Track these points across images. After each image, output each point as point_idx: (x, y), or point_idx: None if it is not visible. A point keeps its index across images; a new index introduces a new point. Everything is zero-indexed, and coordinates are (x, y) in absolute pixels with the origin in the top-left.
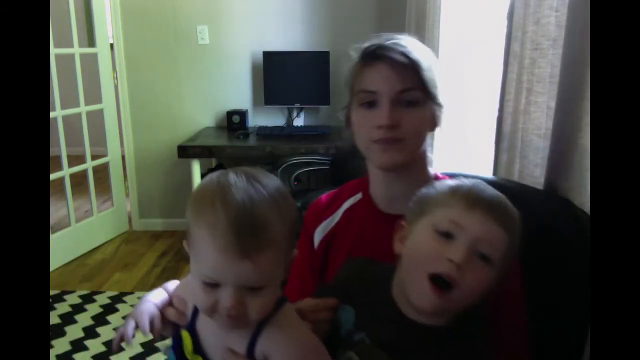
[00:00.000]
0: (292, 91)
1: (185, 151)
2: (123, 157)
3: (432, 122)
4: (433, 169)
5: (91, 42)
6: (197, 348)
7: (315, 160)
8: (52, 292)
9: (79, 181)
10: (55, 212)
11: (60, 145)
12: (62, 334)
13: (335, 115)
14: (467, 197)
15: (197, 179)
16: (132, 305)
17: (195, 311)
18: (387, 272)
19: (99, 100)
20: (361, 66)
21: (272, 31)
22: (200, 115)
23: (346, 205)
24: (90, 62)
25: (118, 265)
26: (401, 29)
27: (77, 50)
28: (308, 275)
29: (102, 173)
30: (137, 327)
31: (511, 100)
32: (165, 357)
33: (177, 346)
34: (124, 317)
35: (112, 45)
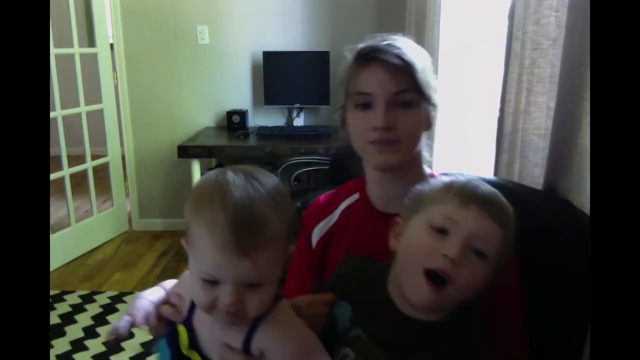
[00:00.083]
0: (292, 91)
1: (185, 151)
2: (123, 157)
3: (427, 123)
4: (433, 170)
5: (91, 42)
6: (193, 343)
7: (315, 160)
8: (52, 292)
9: (79, 181)
10: (55, 212)
11: (60, 145)
12: (62, 334)
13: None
14: (462, 193)
15: (197, 179)
16: None
17: (192, 306)
18: (383, 269)
19: (99, 100)
20: (356, 68)
21: (272, 31)
22: (200, 115)
23: (344, 205)
24: (90, 62)
25: (118, 265)
26: (401, 29)
27: (77, 50)
28: (306, 275)
29: (102, 173)
30: (133, 324)
31: (512, 100)
32: (157, 350)
33: (173, 341)
34: None
35: (112, 45)
